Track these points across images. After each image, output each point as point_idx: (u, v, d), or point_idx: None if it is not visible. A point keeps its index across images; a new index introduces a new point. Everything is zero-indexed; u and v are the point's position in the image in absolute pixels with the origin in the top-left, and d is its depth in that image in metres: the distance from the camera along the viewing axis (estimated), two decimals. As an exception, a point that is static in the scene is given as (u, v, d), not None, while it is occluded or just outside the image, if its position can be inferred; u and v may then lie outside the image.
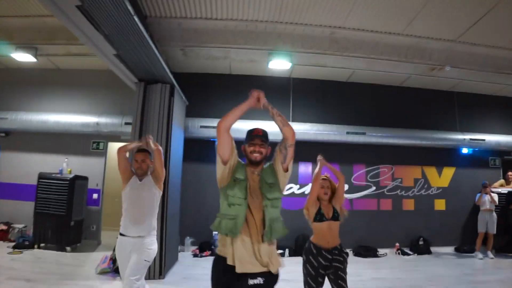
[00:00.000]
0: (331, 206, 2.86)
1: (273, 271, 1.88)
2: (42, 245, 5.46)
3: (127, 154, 2.99)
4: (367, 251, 6.02)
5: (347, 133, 6.00)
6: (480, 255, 5.99)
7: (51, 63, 6.20)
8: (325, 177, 2.94)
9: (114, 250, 4.61)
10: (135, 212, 2.77)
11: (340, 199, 2.90)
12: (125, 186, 2.84)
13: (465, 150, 6.88)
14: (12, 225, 5.96)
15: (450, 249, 6.57)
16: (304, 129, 5.94)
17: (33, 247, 5.38)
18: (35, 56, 5.49)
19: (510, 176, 6.83)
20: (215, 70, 6.23)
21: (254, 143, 2.00)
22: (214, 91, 6.29)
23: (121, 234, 2.79)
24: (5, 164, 6.36)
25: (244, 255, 1.85)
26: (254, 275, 1.84)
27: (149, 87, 4.51)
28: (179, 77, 5.75)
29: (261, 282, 1.83)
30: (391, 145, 6.44)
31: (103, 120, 5.86)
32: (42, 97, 6.36)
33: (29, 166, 6.18)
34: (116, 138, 6.07)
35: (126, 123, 5.73)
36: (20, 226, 5.94)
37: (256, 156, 1.98)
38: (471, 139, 6.65)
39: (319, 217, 2.78)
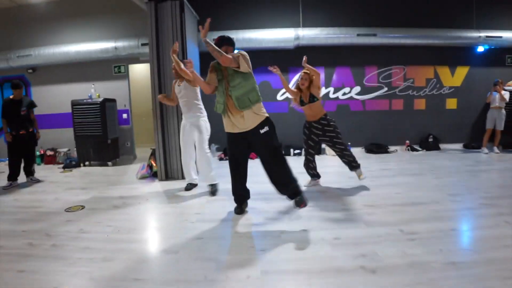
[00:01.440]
0: (309, 92, 3.76)
1: (261, 120, 2.85)
2: (86, 163, 6.21)
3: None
4: (378, 148, 6.47)
5: (358, 35, 6.03)
6: (486, 150, 6.18)
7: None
8: (305, 71, 3.76)
9: (149, 158, 5.25)
10: (183, 106, 3.89)
11: (314, 88, 3.73)
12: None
13: (480, 49, 6.76)
14: (57, 150, 6.71)
15: (459, 146, 6.92)
16: (314, 34, 6.01)
17: (79, 166, 6.15)
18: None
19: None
20: (222, -19, 6.18)
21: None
22: (223, 3, 6.32)
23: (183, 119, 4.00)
24: (38, 97, 6.88)
25: (234, 123, 2.86)
26: (262, 126, 2.85)
27: (159, 6, 4.63)
28: (187, -8, 5.79)
29: (268, 129, 2.86)
30: (403, 46, 6.46)
31: (120, 44, 6.13)
32: (60, 30, 6.60)
33: (60, 96, 6.71)
34: (135, 60, 6.40)
35: (143, 44, 5.99)
36: (65, 149, 6.69)
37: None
38: (487, 36, 6.49)
39: (301, 102, 3.83)
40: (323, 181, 4.22)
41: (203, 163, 3.87)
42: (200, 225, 2.94)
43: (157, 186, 4.51)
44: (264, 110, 2.94)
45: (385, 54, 6.61)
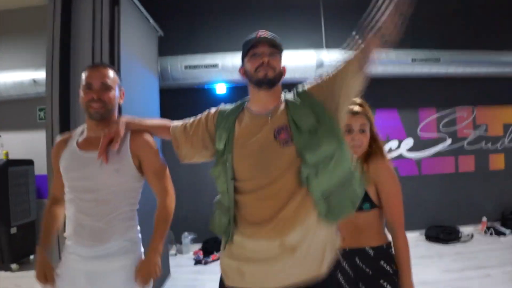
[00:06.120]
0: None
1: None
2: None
3: None
4: (447, 234, 4.15)
5: (413, 60, 3.91)
6: None
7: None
8: (357, 109, 1.45)
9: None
10: (84, 217, 1.43)
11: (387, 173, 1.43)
12: None
13: None
14: None
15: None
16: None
17: (-33, 266, 3.75)
18: None
19: None
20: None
21: (258, 52, 1.16)
22: (203, 15, 4.25)
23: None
24: None
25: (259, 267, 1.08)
26: None
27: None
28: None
29: None
30: (471, 77, 4.37)
31: (42, 75, 3.91)
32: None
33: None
34: (67, 100, 4.20)
35: (75, 75, 3.83)
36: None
37: (267, 72, 1.14)
38: None
39: None
40: None
41: None
42: None
43: None
44: None
45: (446, 90, 4.50)
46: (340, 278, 1.37)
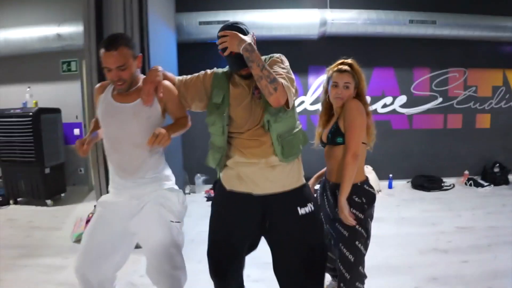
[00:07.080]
0: (334, 121, 1.71)
1: (300, 185, 1.55)
2: (19, 199, 4.35)
3: None
4: (430, 182, 4.64)
5: (410, 22, 4.16)
6: None
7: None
8: (342, 67, 1.68)
9: (95, 206, 3.37)
10: (121, 156, 1.76)
11: (352, 111, 1.62)
12: None
13: None
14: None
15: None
16: (348, 19, 4.10)
17: (7, 203, 4.28)
18: None
19: None
20: None
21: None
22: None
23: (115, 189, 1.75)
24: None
25: (247, 176, 1.48)
26: (303, 201, 1.51)
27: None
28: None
29: (312, 209, 1.52)
30: (465, 40, 4.62)
31: (65, 30, 4.25)
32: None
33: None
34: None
35: (96, 30, 4.11)
36: (-6, 176, 4.80)
37: (247, 72, 1.41)
38: None
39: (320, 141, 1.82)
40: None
41: None
42: None
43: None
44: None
45: (441, 51, 4.76)
46: (325, 203, 1.75)
